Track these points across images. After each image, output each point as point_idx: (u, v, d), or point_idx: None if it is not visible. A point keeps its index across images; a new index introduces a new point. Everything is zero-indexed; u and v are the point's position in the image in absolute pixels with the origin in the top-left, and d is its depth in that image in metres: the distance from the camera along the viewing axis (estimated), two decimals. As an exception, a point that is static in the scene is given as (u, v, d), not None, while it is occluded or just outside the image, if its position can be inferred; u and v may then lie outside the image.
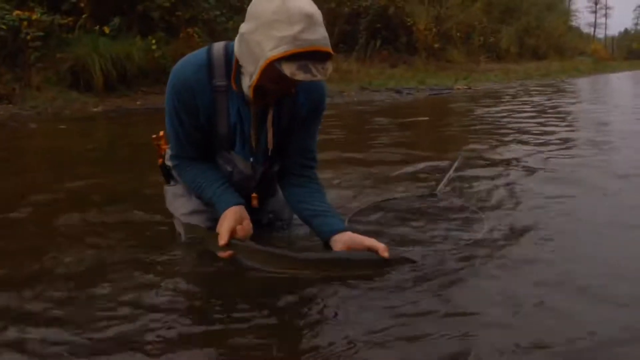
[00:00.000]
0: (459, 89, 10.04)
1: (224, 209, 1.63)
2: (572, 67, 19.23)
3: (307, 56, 1.38)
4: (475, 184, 2.77)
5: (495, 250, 1.77)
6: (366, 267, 1.58)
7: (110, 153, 4.17)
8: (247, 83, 1.52)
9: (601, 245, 1.85)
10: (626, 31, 76.94)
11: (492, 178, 2.87)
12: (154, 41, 8.08)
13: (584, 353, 1.17)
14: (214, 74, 1.61)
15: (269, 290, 1.46)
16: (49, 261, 1.67)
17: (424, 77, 11.34)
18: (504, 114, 6.14)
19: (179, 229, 1.85)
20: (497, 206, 2.33)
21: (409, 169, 3.12)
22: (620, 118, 5.54)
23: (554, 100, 8.01)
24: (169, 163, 1.89)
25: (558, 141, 4.03)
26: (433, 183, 2.64)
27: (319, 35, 1.40)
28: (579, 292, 1.46)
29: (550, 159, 3.36)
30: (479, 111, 6.76)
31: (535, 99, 8.29)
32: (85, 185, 2.78)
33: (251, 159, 1.73)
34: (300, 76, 1.37)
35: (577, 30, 40.56)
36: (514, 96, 8.74)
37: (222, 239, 1.57)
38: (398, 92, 9.00)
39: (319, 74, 1.38)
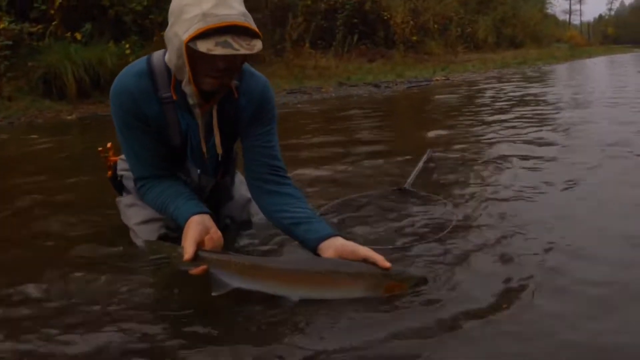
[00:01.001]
0: (437, 80, 10.08)
1: (185, 220, 1.50)
2: (548, 54, 19.43)
3: (225, 31, 1.35)
4: (445, 176, 2.78)
5: (467, 243, 1.77)
6: (364, 281, 1.39)
7: (82, 161, 4.10)
8: (187, 85, 1.48)
9: (574, 236, 1.83)
10: (601, 17, 78.15)
11: (462, 170, 2.89)
12: (127, 46, 7.98)
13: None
14: (158, 85, 1.56)
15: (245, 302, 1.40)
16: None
17: (402, 70, 11.37)
18: (479, 104, 6.19)
19: (135, 240, 1.79)
20: (467, 198, 2.34)
21: (380, 164, 3.14)
22: (593, 105, 5.60)
23: (527, 88, 8.08)
24: (121, 173, 1.85)
25: (531, 129, 4.07)
26: (402, 178, 2.63)
27: (235, 11, 1.37)
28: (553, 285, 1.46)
29: (523, 147, 3.38)
30: (455, 102, 6.81)
31: (509, 86, 8.35)
32: (55, 193, 2.73)
33: (198, 171, 1.70)
34: (219, 51, 1.33)
35: (553, 17, 40.96)
36: (489, 84, 8.81)
37: (187, 253, 1.39)
38: (376, 86, 9.01)
39: (242, 48, 1.34)
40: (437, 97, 7.85)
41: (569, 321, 1.27)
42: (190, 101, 1.54)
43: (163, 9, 9.44)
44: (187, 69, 1.42)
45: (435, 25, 16.10)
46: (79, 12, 8.14)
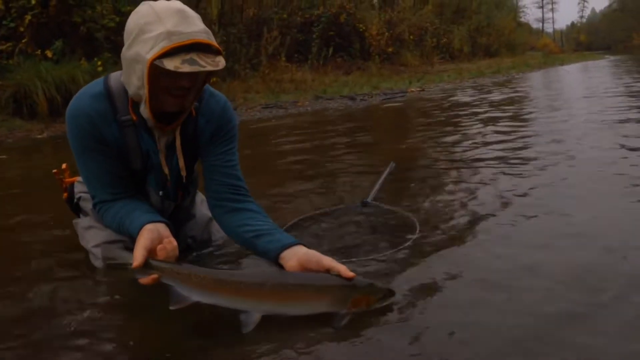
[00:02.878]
0: (412, 91, 10.18)
1: (136, 233, 1.46)
2: (522, 62, 19.81)
3: (190, 49, 1.35)
4: (408, 189, 2.83)
5: (430, 254, 1.80)
6: (330, 294, 1.36)
7: (50, 182, 4.03)
8: (143, 108, 1.47)
9: (539, 254, 1.84)
10: (573, 24, 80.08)
11: (426, 182, 2.94)
12: (99, 63, 7.89)
13: None
14: (117, 108, 1.54)
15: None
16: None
17: (378, 81, 11.46)
18: (451, 114, 6.27)
19: (94, 262, 1.76)
20: (430, 210, 2.38)
21: (345, 178, 3.17)
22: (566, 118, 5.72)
23: (498, 95, 8.22)
24: (78, 195, 1.83)
25: (499, 139, 4.13)
26: (366, 191, 2.64)
27: (197, 28, 1.37)
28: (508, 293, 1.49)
29: (490, 158, 3.44)
30: (427, 113, 6.89)
31: (482, 95, 8.49)
32: (20, 218, 2.68)
33: (160, 193, 1.69)
34: (186, 68, 1.33)
35: (526, 26, 41.88)
36: (464, 94, 8.94)
37: (135, 259, 1.35)
38: (352, 98, 9.06)
39: (208, 65, 1.35)
40: (410, 108, 7.95)
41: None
42: (149, 124, 1.54)
43: (137, 24, 9.40)
44: (145, 90, 1.41)
45: (411, 37, 16.33)
46: (50, 29, 8.04)
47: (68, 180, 1.92)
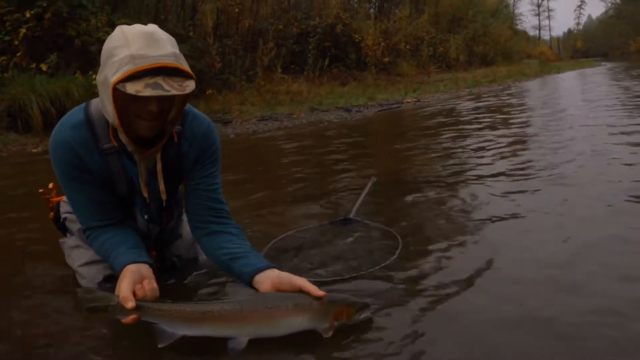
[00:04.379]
0: (408, 102, 10.20)
1: (121, 269, 1.49)
2: (518, 71, 19.88)
3: (157, 72, 1.34)
4: (390, 204, 2.85)
5: (412, 270, 1.83)
6: (310, 311, 1.40)
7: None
8: (120, 133, 1.47)
9: (515, 260, 1.92)
10: (570, 31, 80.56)
11: (409, 197, 2.96)
12: (94, 76, 7.89)
13: None
14: (98, 136, 1.53)
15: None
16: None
17: (374, 92, 11.48)
18: (444, 125, 6.28)
19: (80, 281, 1.78)
20: (413, 226, 2.40)
21: (329, 194, 3.20)
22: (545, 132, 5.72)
23: (492, 106, 8.23)
24: (64, 216, 1.84)
25: (491, 153, 4.14)
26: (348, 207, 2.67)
27: (164, 52, 1.36)
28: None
29: (477, 172, 3.47)
30: (421, 124, 6.91)
31: (476, 106, 8.51)
32: (10, 232, 2.68)
33: (145, 216, 1.70)
34: (148, 92, 1.31)
35: (523, 33, 42.13)
36: (458, 104, 8.95)
37: (130, 301, 1.35)
38: (347, 110, 9.06)
39: (173, 89, 1.33)
40: (405, 119, 7.96)
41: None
42: (129, 148, 1.53)
43: (132, 37, 9.43)
44: (114, 115, 1.40)
45: (407, 46, 16.39)
46: (44, 42, 8.05)
47: (55, 199, 1.93)
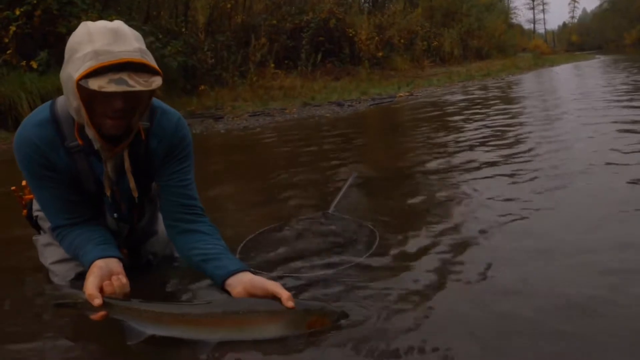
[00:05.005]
0: (400, 96, 10.20)
1: (89, 265, 1.46)
2: (512, 64, 19.90)
3: (121, 68, 1.32)
4: (370, 199, 2.86)
5: (389, 268, 1.82)
6: (284, 319, 1.37)
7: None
8: (88, 128, 1.44)
9: (497, 259, 1.88)
10: (564, 25, 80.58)
11: (389, 193, 2.97)
12: (85, 73, 7.87)
13: None
14: (64, 134, 1.50)
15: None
16: None
17: (367, 87, 11.48)
18: (435, 119, 6.29)
19: (53, 278, 1.77)
20: (391, 221, 2.39)
21: (311, 188, 3.21)
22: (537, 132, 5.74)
23: (484, 99, 8.25)
24: (36, 214, 1.82)
25: (478, 147, 4.13)
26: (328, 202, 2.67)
27: (129, 48, 1.34)
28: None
29: (461, 167, 3.45)
30: (412, 118, 6.91)
31: (467, 99, 8.52)
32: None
33: (115, 215, 1.68)
34: (112, 88, 1.29)
35: (518, 27, 42.10)
36: (451, 98, 8.96)
37: (95, 299, 1.33)
38: (339, 105, 9.06)
39: (138, 85, 1.31)
40: (396, 114, 7.97)
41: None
42: (95, 145, 1.49)
43: (123, 33, 9.39)
44: (83, 111, 1.37)
45: (401, 40, 16.38)
46: (35, 40, 8.02)
47: (27, 197, 1.91)
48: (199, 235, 1.60)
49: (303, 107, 8.96)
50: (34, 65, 7.69)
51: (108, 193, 1.59)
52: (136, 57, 1.33)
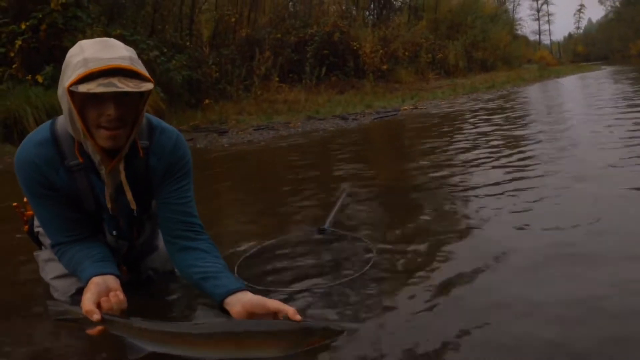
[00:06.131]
0: (405, 109, 10.18)
1: (86, 282, 1.48)
2: (517, 76, 19.86)
3: (111, 74, 1.35)
4: (365, 214, 2.88)
5: (386, 284, 1.85)
6: (285, 340, 1.36)
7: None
8: (85, 140, 1.46)
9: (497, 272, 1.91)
10: (570, 35, 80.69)
11: (390, 207, 2.99)
12: (89, 87, 7.91)
13: None
14: (64, 154, 1.52)
15: None
16: None
17: (371, 100, 11.48)
18: (438, 134, 6.27)
19: (54, 294, 1.80)
20: (387, 236, 2.42)
21: (310, 204, 3.22)
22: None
23: (488, 113, 8.23)
24: (37, 230, 1.84)
25: (480, 162, 4.11)
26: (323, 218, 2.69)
27: (119, 54, 1.37)
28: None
29: (455, 185, 3.44)
30: (415, 133, 6.89)
31: (474, 112, 8.49)
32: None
33: (114, 232, 1.69)
34: (99, 89, 1.31)
35: (523, 38, 42.19)
36: (455, 112, 8.94)
37: (94, 314, 1.34)
38: (344, 118, 9.05)
39: (127, 87, 1.33)
40: (400, 128, 7.95)
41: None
42: (95, 159, 1.52)
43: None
44: (77, 120, 1.40)
45: (406, 53, 16.41)
46: (41, 54, 8.08)
47: (28, 213, 1.94)
48: (198, 253, 1.60)
49: (307, 121, 8.95)
50: (40, 79, 7.74)
51: (110, 207, 1.60)
52: (126, 64, 1.37)
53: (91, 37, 8.22)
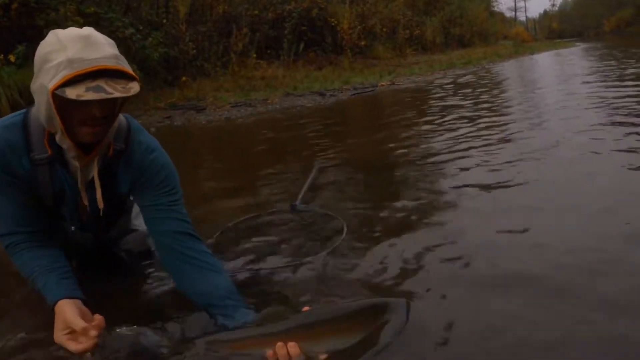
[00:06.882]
0: (382, 85, 10.30)
1: (55, 299, 1.40)
2: (493, 52, 20.08)
3: (97, 75, 1.28)
4: (336, 190, 2.90)
5: (355, 255, 1.88)
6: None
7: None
8: (62, 138, 1.41)
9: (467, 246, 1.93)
10: (545, 12, 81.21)
11: (364, 183, 3.01)
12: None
13: None
14: (32, 145, 1.46)
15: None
16: None
17: (349, 76, 11.54)
18: (413, 109, 6.40)
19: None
20: (358, 210, 2.43)
21: (284, 180, 3.26)
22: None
23: (464, 87, 8.40)
24: None
25: (453, 136, 4.21)
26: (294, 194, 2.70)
27: (104, 54, 1.30)
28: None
29: (430, 161, 3.44)
30: (391, 107, 7.00)
31: (448, 87, 8.66)
32: None
33: (73, 228, 1.64)
34: (90, 96, 1.24)
35: (500, 15, 42.32)
36: (430, 87, 9.09)
37: (90, 330, 1.30)
38: (321, 94, 9.13)
39: (116, 91, 1.27)
40: (376, 103, 8.07)
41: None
42: (69, 155, 1.46)
43: (102, 25, 9.30)
44: (58, 121, 1.34)
45: (383, 29, 16.41)
46: (12, 33, 7.91)
47: None
48: (202, 275, 1.50)
49: (285, 97, 9.00)
50: (12, 58, 7.60)
51: (85, 201, 1.55)
52: (112, 64, 1.30)
53: (64, 15, 7.98)
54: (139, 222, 1.90)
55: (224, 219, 2.43)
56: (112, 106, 1.39)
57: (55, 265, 1.49)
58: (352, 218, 2.30)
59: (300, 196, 2.57)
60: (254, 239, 2.16)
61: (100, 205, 1.52)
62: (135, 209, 1.90)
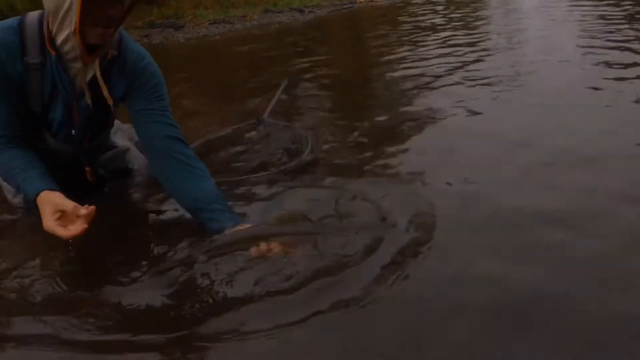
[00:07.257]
0: (361, 1, 10.19)
1: (36, 191, 1.41)
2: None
3: None
4: (303, 104, 2.96)
5: (321, 173, 1.90)
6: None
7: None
8: (70, 37, 1.44)
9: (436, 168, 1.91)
10: None
11: (320, 97, 3.09)
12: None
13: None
14: (26, 49, 1.49)
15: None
16: None
17: (329, -8, 11.30)
18: (385, 26, 6.46)
19: (6, 194, 1.77)
20: (327, 126, 2.51)
21: (254, 96, 3.28)
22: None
23: (444, 5, 8.39)
24: None
25: (432, 55, 4.15)
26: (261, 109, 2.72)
27: None
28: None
29: (406, 79, 3.39)
30: (367, 24, 7.04)
31: (429, 5, 8.63)
32: None
33: (62, 135, 1.66)
34: None
35: None
36: (409, 4, 9.04)
37: (80, 208, 1.31)
38: (300, 11, 9.10)
39: None
40: (354, 19, 8.08)
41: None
42: (73, 53, 1.48)
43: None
44: (76, 19, 1.38)
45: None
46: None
47: None
48: (194, 182, 1.54)
49: (264, 14, 8.96)
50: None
51: (89, 101, 1.58)
52: None
53: None
54: (117, 138, 1.96)
55: (196, 133, 2.46)
56: (122, 9, 1.48)
57: (36, 164, 1.52)
58: (320, 133, 2.35)
59: (268, 110, 2.60)
60: (222, 153, 2.22)
61: (110, 101, 1.56)
62: (115, 125, 1.93)
